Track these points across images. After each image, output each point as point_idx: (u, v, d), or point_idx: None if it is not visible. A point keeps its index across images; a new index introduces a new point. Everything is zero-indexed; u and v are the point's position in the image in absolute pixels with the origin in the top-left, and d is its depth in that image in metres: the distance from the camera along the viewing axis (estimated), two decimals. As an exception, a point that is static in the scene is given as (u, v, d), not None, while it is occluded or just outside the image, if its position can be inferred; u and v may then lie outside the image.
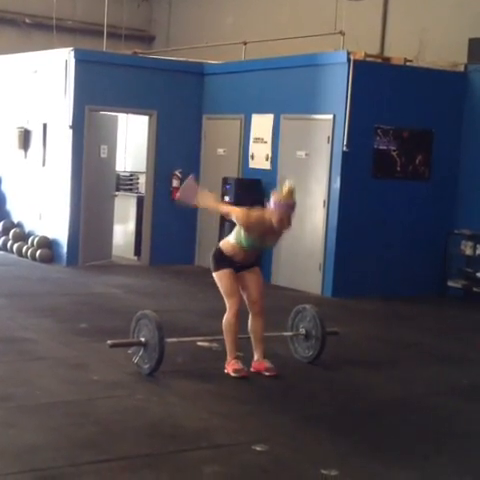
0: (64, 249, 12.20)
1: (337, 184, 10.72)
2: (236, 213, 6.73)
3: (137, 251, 13.07)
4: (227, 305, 6.89)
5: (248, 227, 6.68)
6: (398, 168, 11.11)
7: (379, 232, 11.06)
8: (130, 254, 13.17)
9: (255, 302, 6.99)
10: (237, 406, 6.18)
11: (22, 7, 16.81)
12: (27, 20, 16.86)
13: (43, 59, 12.79)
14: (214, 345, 7.56)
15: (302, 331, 7.49)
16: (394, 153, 11.04)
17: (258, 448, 5.29)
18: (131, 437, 5.40)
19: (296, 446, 5.45)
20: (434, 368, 7.70)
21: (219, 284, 6.91)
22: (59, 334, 8.04)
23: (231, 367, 6.89)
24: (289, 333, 7.60)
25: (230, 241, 6.86)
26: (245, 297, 7.00)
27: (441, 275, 11.42)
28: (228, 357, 6.95)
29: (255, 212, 6.72)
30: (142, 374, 6.76)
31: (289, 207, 6.67)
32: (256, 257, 7.05)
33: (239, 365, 6.90)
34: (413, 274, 11.31)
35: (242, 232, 6.74)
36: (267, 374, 6.94)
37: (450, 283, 11.32)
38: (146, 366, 6.77)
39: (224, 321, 6.91)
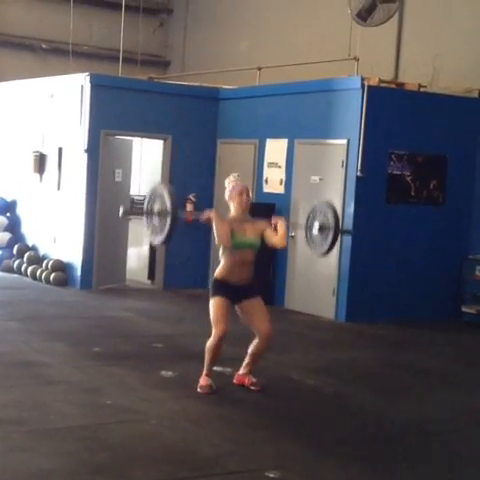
0: (78, 272, 12.23)
1: (351, 209, 10.73)
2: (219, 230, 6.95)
3: (151, 275, 13.09)
4: (213, 331, 6.98)
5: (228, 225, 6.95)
6: (412, 193, 11.11)
7: (393, 257, 11.04)
8: (144, 278, 13.19)
9: (267, 336, 7.08)
10: (249, 432, 6.16)
11: (39, 33, 16.97)
12: (44, 45, 17.01)
13: (59, 84, 12.90)
14: (227, 370, 7.55)
15: (316, 225, 7.37)
16: (408, 178, 11.05)
17: (271, 475, 5.27)
18: (144, 462, 5.39)
19: (309, 473, 5.42)
20: (448, 394, 7.65)
21: (210, 310, 7.01)
22: (72, 358, 8.05)
23: (202, 381, 7.08)
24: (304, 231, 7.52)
25: (221, 262, 7.06)
26: (254, 328, 7.10)
27: (455, 300, 11.38)
28: (204, 370, 7.11)
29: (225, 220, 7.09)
30: (156, 400, 6.75)
31: (241, 186, 7.08)
32: (250, 273, 7.08)
33: (207, 382, 7.07)
34: (427, 299, 11.27)
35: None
36: (253, 388, 7.18)
37: (464, 309, 11.27)
38: (160, 236, 6.76)
39: (209, 343, 7.03)
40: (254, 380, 7.24)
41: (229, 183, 7.17)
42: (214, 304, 6.99)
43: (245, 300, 7.03)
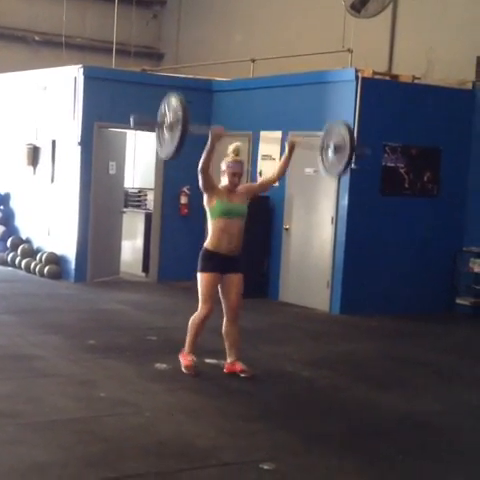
0: (72, 265, 12.22)
1: (345, 201, 10.73)
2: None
3: (145, 267, 13.08)
4: (199, 307, 7.23)
5: (211, 187, 7.16)
6: (406, 185, 11.12)
7: (387, 249, 11.05)
8: (138, 270, 13.19)
9: (232, 309, 7.29)
10: (245, 423, 6.17)
11: (32, 25, 16.92)
12: (36, 37, 16.96)
13: (52, 76, 12.86)
14: (222, 362, 7.56)
15: (331, 146, 7.37)
16: (402, 170, 11.05)
17: (266, 466, 5.28)
18: (139, 455, 5.38)
19: (304, 465, 5.43)
20: (443, 387, 7.66)
21: (199, 285, 7.23)
22: (67, 351, 8.04)
23: (185, 361, 7.30)
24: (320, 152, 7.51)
25: (209, 233, 7.22)
26: (223, 301, 7.31)
27: (450, 292, 11.40)
28: (186, 348, 7.33)
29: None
30: (151, 393, 6.75)
31: (237, 163, 7.21)
32: (239, 243, 7.24)
33: (190, 362, 7.26)
34: (421, 291, 11.29)
35: (211, 204, 7.14)
36: (243, 375, 7.26)
37: (459, 301, 11.29)
38: (169, 148, 6.84)
39: (192, 318, 7.30)
40: (244, 367, 7.30)
41: (230, 155, 7.26)
42: (204, 280, 7.18)
43: (229, 273, 7.21)
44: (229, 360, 7.39)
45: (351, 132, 7.35)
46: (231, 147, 7.29)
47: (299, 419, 6.40)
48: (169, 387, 6.94)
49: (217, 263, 7.16)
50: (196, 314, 7.27)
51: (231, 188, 7.23)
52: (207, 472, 5.20)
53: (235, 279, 7.24)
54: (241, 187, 7.35)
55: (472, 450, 6.00)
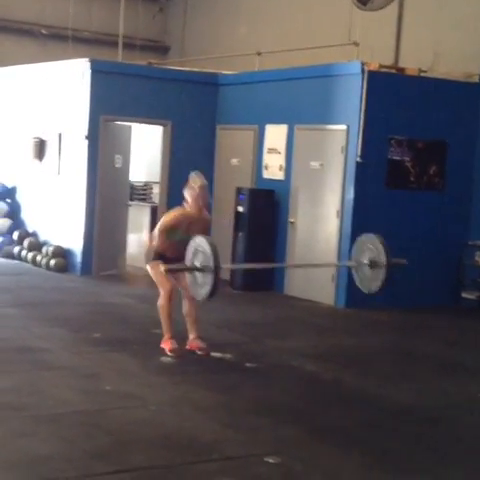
0: (78, 258, 12.23)
1: (351, 194, 10.72)
2: (156, 237, 7.69)
3: (151, 261, 13.07)
4: (161, 292, 7.65)
5: (170, 231, 7.59)
6: (412, 179, 11.09)
7: (392, 243, 10.94)
8: (144, 264, 13.15)
9: (187, 288, 7.43)
10: (249, 418, 6.18)
11: (39, 18, 16.90)
12: (44, 31, 16.94)
13: (59, 69, 12.86)
14: (227, 355, 7.57)
15: (366, 261, 7.32)
16: (408, 164, 11.02)
17: (270, 460, 5.29)
18: (143, 448, 5.40)
19: (308, 458, 5.43)
20: (448, 380, 7.66)
21: (152, 274, 7.72)
22: (72, 344, 8.07)
23: (168, 346, 7.65)
24: (353, 263, 7.48)
25: (161, 242, 7.65)
26: (182, 287, 7.65)
27: (455, 286, 11.38)
28: (165, 335, 7.72)
29: (171, 215, 7.77)
30: (156, 386, 6.76)
31: (202, 189, 7.64)
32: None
33: (175, 345, 7.60)
34: (427, 285, 11.27)
35: (170, 230, 7.60)
36: (199, 353, 7.62)
37: (464, 294, 11.27)
38: (203, 290, 6.82)
39: (160, 302, 7.71)
40: (201, 345, 7.64)
41: (193, 184, 7.67)
42: (155, 268, 7.59)
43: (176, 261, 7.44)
44: (191, 337, 7.70)
45: (385, 246, 7.28)
46: (191, 178, 7.70)
47: (304, 413, 6.41)
48: (174, 380, 6.95)
49: (164, 258, 7.56)
50: (160, 299, 7.68)
51: (196, 211, 7.64)
52: (211, 466, 5.21)
53: None
54: (206, 215, 7.78)
55: (476, 443, 5.99)
